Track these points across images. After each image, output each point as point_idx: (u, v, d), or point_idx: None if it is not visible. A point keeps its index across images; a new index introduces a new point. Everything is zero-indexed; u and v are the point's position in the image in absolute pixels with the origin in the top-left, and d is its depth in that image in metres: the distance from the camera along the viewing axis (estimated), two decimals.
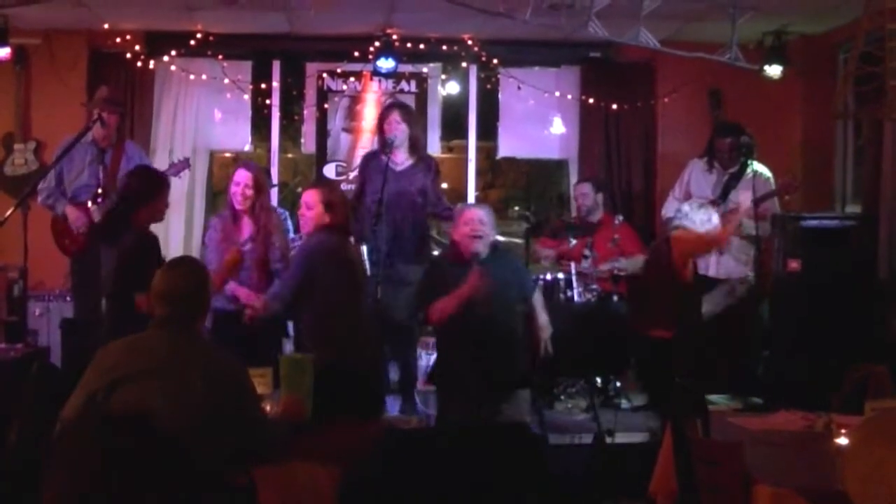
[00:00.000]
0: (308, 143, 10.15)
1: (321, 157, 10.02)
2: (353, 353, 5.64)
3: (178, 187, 9.40)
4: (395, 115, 7.72)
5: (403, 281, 7.63)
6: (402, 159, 7.72)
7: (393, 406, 7.68)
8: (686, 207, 6.86)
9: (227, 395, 3.80)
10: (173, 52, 9.45)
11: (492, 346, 6.21)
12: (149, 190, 6.51)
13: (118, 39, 9.32)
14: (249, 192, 6.82)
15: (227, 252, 6.64)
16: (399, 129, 7.67)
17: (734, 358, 7.51)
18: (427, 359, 7.95)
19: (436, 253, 8.07)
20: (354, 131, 9.93)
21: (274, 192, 8.99)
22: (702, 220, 6.65)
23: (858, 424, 3.15)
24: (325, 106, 9.93)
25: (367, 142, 9.51)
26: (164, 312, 3.98)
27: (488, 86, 10.07)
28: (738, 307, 7.85)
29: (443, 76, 10.14)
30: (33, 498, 2.23)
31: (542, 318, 6.66)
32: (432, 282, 6.53)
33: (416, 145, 7.85)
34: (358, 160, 8.74)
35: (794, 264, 7.92)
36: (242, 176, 6.88)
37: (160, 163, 8.97)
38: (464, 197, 10.60)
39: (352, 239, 7.71)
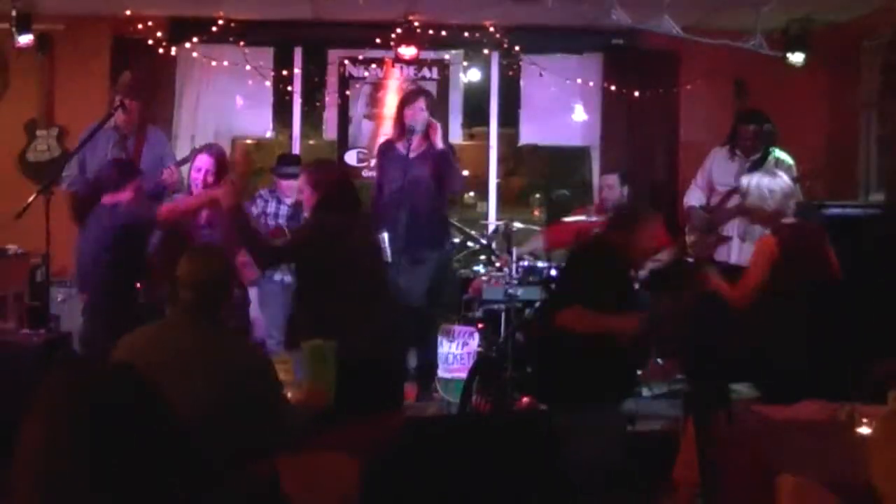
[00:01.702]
0: (330, 130, 10.16)
1: (343, 143, 10.03)
2: (365, 341, 5.53)
3: None
4: (420, 103, 7.71)
5: (423, 267, 7.66)
6: (416, 145, 7.72)
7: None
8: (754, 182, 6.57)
9: (250, 383, 3.80)
10: (195, 39, 9.45)
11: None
12: (111, 181, 6.61)
13: (141, 26, 9.33)
14: (211, 178, 6.76)
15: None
16: (421, 117, 7.67)
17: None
18: (448, 346, 7.94)
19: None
20: (376, 118, 9.92)
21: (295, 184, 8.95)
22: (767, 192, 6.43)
23: (883, 415, 3.13)
24: (347, 93, 9.93)
25: (388, 128, 9.46)
26: (188, 298, 3.99)
27: (510, 72, 10.04)
28: None
29: (464, 63, 10.11)
30: None
31: None
32: (609, 282, 5.88)
33: (428, 131, 7.83)
34: None
35: None
36: (204, 161, 6.81)
37: (182, 148, 9.00)
38: (485, 184, 10.60)
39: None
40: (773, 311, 6.07)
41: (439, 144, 7.68)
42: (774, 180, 6.25)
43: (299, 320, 5.98)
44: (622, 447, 5.40)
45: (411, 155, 7.62)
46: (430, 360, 7.90)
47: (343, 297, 5.60)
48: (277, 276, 7.97)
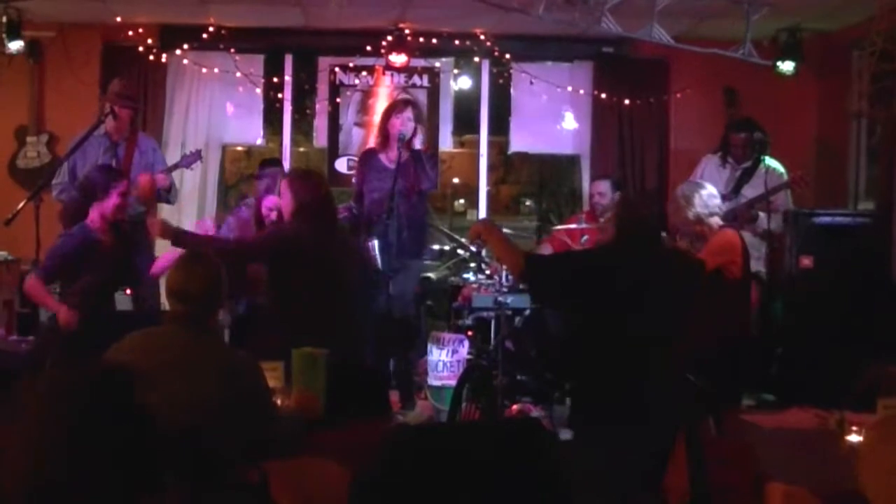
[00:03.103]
0: (320, 138, 10.16)
1: (333, 151, 10.03)
2: (343, 348, 5.52)
3: (189, 180, 9.45)
4: (409, 113, 7.69)
5: (408, 275, 7.67)
6: (400, 156, 7.71)
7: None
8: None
9: (241, 391, 3.80)
10: (186, 46, 9.46)
11: None
12: (99, 186, 6.59)
13: (131, 33, 9.35)
14: (275, 215, 6.99)
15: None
16: (409, 127, 7.65)
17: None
18: (438, 353, 7.93)
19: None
20: (367, 125, 9.91)
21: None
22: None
23: (872, 423, 3.14)
24: (338, 100, 9.94)
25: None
26: (180, 309, 3.97)
27: (501, 81, 10.05)
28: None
29: (455, 71, 10.13)
30: None
31: None
32: None
33: (411, 142, 7.84)
34: None
35: (806, 261, 7.91)
36: (273, 201, 7.00)
37: (172, 156, 8.99)
38: (475, 192, 10.60)
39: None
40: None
41: (416, 145, 7.69)
42: (692, 188, 6.43)
43: (276, 328, 5.94)
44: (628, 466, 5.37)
45: (392, 165, 7.57)
46: (411, 369, 7.89)
47: (321, 307, 5.62)
48: None
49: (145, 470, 2.15)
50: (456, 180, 13.67)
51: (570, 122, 10.17)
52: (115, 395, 2.18)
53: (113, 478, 2.09)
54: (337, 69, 9.91)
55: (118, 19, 9.14)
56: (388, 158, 7.62)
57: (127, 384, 2.23)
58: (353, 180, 8.46)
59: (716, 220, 6.46)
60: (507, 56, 9.75)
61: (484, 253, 8.38)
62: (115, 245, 6.68)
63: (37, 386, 2.16)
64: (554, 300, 5.94)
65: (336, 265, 5.88)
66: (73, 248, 6.56)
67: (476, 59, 9.96)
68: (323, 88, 9.95)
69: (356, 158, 9.70)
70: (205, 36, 9.30)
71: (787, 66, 8.81)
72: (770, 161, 8.08)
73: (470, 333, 7.89)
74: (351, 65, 9.90)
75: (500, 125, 10.33)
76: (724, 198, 7.70)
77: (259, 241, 6.22)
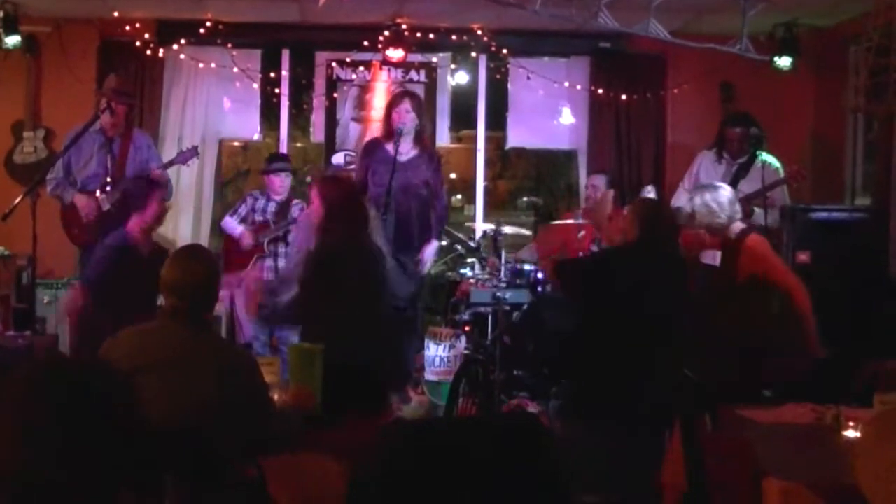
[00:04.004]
0: (317, 133, 10.15)
1: (330, 146, 10.01)
2: (364, 345, 5.55)
3: (186, 176, 9.43)
4: (406, 105, 7.73)
5: (407, 271, 7.67)
6: (406, 149, 7.73)
7: None
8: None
9: (238, 387, 3.79)
10: (183, 41, 9.44)
11: None
12: (146, 192, 6.66)
13: (128, 28, 9.31)
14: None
15: None
16: (408, 118, 7.68)
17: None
18: (436, 348, 7.94)
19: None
20: (364, 121, 9.91)
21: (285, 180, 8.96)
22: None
23: (869, 419, 3.14)
24: (335, 95, 9.92)
25: (376, 131, 9.47)
26: (175, 304, 3.96)
27: (498, 76, 10.04)
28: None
29: (452, 66, 10.12)
30: None
31: None
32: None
33: (422, 136, 7.87)
34: None
35: (803, 256, 7.91)
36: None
37: (169, 151, 8.99)
38: (472, 187, 10.60)
39: None
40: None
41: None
42: (717, 192, 6.29)
43: (304, 325, 5.96)
44: (626, 463, 5.38)
45: (400, 158, 7.61)
46: (407, 364, 7.90)
47: (347, 308, 5.63)
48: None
49: (129, 465, 2.14)
50: (453, 175, 13.67)
51: (567, 117, 10.16)
52: (92, 389, 2.17)
53: (90, 472, 2.08)
54: (334, 64, 9.90)
55: (115, 14, 9.11)
56: (394, 151, 7.63)
57: (109, 379, 2.22)
58: (354, 173, 8.47)
59: (738, 225, 6.38)
60: (505, 51, 9.74)
61: (482, 248, 8.39)
62: (151, 253, 6.75)
63: (16, 378, 2.16)
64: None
65: (365, 266, 5.91)
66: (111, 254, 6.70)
67: (473, 54, 9.95)
68: (320, 83, 9.94)
69: (353, 153, 9.72)
70: (202, 31, 9.27)
71: (783, 62, 8.83)
72: (766, 156, 8.08)
73: (467, 329, 7.89)
74: (348, 60, 9.88)
75: (497, 120, 10.33)
76: None
77: (307, 279, 6.11)
